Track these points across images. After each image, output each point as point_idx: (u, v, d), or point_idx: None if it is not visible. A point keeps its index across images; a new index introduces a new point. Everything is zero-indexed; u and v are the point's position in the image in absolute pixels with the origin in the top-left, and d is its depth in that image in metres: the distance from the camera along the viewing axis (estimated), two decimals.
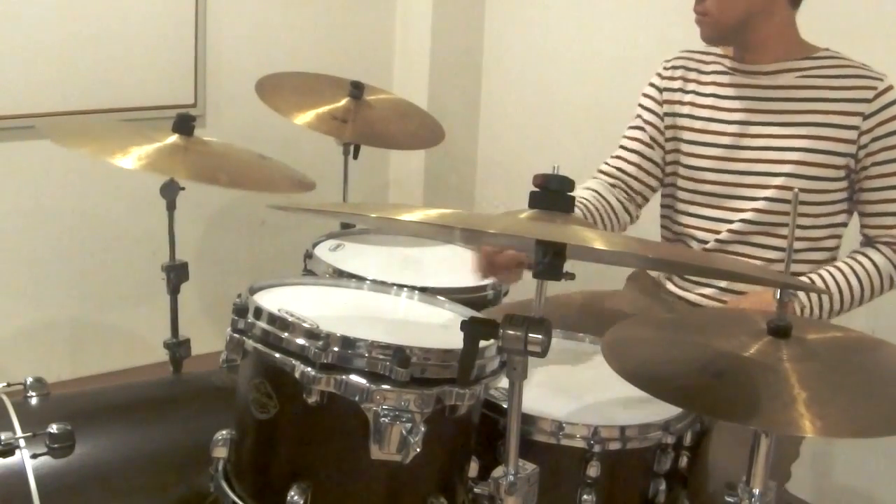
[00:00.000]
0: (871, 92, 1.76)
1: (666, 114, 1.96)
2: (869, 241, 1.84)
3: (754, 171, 1.84)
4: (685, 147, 1.93)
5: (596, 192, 1.98)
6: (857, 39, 2.11)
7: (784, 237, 1.81)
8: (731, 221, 1.86)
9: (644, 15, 2.82)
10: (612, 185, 2.00)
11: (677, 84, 1.96)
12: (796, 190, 1.31)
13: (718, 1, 1.78)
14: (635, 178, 1.99)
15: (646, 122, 1.99)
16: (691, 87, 1.94)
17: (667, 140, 1.97)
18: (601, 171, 2.03)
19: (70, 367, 2.90)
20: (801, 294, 1.77)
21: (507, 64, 3.32)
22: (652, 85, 2.01)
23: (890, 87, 1.77)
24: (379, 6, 3.36)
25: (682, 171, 1.94)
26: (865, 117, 1.76)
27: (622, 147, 2.02)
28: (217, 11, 2.98)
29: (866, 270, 1.79)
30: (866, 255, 1.81)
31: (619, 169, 2.00)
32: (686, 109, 1.93)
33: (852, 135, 1.77)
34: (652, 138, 1.98)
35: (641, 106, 2.01)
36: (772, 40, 1.83)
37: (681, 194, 1.95)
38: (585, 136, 3.02)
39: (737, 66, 1.89)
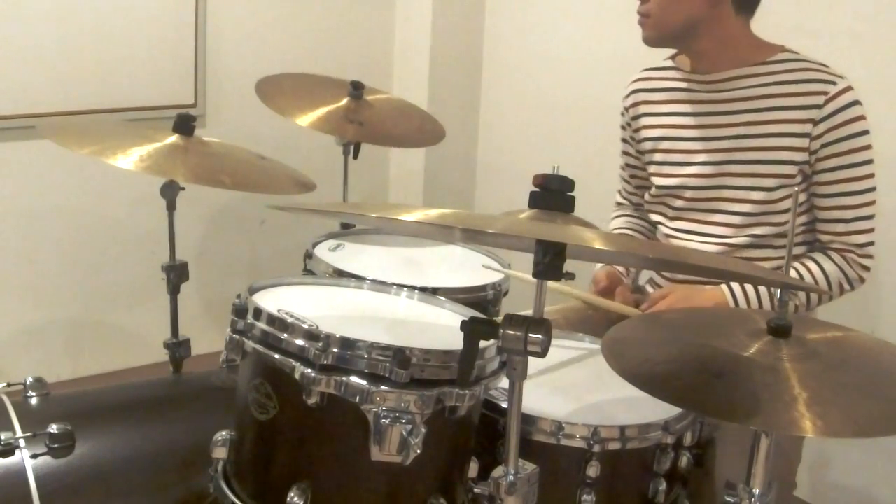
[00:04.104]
0: (823, 97, 1.73)
1: (639, 140, 2.01)
2: (821, 247, 1.84)
3: (719, 184, 1.85)
4: (654, 168, 1.96)
5: (628, 216, 2.13)
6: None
7: (763, 247, 1.83)
8: (711, 235, 1.88)
9: None
10: (636, 208, 2.14)
11: (641, 109, 1.99)
12: (797, 189, 1.32)
13: (660, 4, 1.78)
14: (638, 205, 2.13)
15: (625, 153, 2.10)
16: (651, 108, 1.97)
17: (645, 164, 2.01)
18: (618, 203, 2.18)
19: (70, 367, 2.91)
20: (752, 295, 1.79)
21: (507, 64, 3.32)
22: (622, 115, 2.07)
23: (843, 91, 1.73)
24: (379, 6, 3.36)
25: (655, 191, 1.98)
26: (816, 123, 1.74)
27: (621, 178, 2.15)
28: (217, 11, 2.98)
29: (815, 279, 1.79)
30: (816, 263, 1.81)
31: (628, 194, 2.15)
32: (652, 132, 1.96)
33: (804, 142, 1.75)
34: (635, 167, 2.09)
35: (622, 139, 2.10)
36: (721, 47, 1.81)
37: (654, 217, 2.00)
38: (585, 136, 3.02)
39: (692, 79, 1.89)
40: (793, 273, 1.79)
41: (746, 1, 1.80)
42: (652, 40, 1.85)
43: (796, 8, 2.32)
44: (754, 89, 1.80)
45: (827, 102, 1.73)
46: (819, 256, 1.82)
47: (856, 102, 1.73)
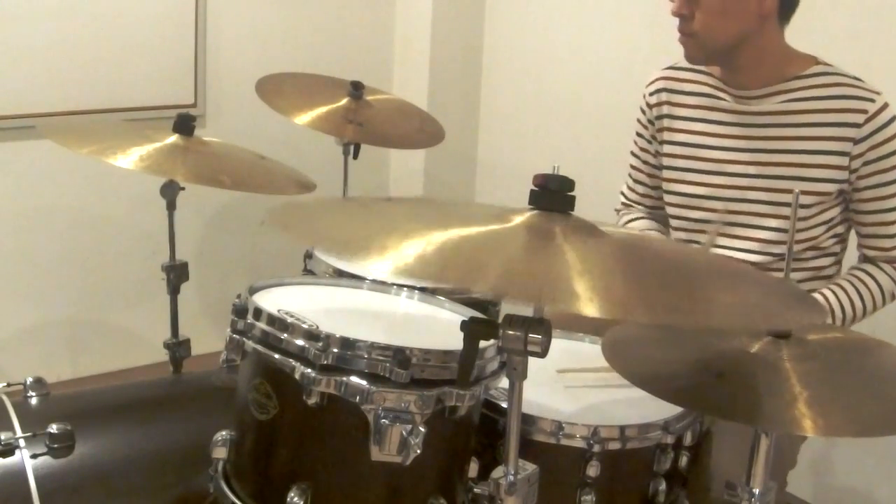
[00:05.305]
0: (862, 116, 1.71)
1: (662, 142, 1.95)
2: (868, 259, 1.83)
3: (746, 198, 1.82)
4: (676, 174, 1.91)
5: (649, 219, 2.05)
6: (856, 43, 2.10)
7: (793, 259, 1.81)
8: (739, 250, 1.84)
9: (644, 15, 2.82)
10: (651, 211, 2.07)
11: (665, 110, 1.93)
12: (797, 191, 1.31)
13: (707, 23, 1.71)
14: (653, 208, 2.06)
15: (643, 150, 2.02)
16: (678, 111, 1.91)
17: (663, 167, 1.95)
18: (628, 203, 2.10)
19: (70, 367, 2.91)
20: None
21: (507, 64, 3.32)
22: (643, 111, 2.00)
23: (882, 109, 1.71)
24: (379, 6, 3.36)
25: (673, 198, 1.93)
26: (856, 142, 1.71)
27: (632, 177, 2.07)
28: (217, 11, 2.98)
29: (870, 290, 1.78)
30: (869, 274, 1.80)
31: (640, 196, 2.07)
32: (676, 136, 1.91)
33: (843, 161, 1.73)
34: (653, 166, 2.01)
35: (638, 134, 2.03)
36: (760, 61, 1.77)
37: (674, 222, 1.95)
38: (585, 136, 3.02)
39: (723, 88, 1.84)
40: (848, 287, 1.78)
41: (789, 10, 1.76)
42: (697, 60, 1.81)
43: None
44: (790, 104, 1.76)
45: (867, 122, 1.70)
46: (870, 267, 1.81)
47: (894, 118, 1.72)
